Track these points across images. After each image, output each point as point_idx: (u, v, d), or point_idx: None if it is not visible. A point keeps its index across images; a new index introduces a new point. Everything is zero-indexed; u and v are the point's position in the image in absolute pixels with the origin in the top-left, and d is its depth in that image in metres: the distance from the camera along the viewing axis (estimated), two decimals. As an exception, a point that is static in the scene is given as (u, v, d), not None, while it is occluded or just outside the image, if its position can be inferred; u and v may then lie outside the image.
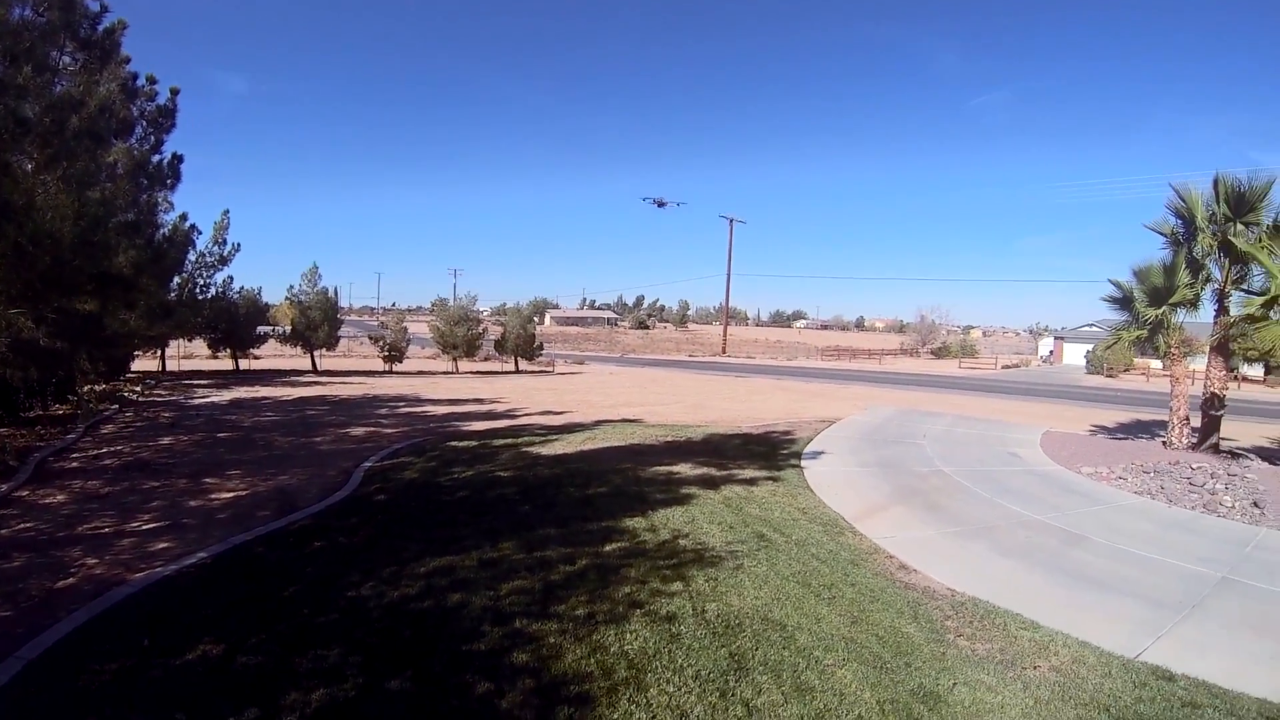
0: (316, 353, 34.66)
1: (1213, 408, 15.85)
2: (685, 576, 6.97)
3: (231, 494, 9.94)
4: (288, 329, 34.14)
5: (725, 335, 76.81)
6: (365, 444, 14.19)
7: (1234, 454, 15.44)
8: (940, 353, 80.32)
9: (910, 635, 6.11)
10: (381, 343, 36.35)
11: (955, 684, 5.27)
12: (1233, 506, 10.96)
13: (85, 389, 19.40)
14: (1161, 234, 16.44)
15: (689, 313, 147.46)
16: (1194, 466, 13.38)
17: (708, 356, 66.97)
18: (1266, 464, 14.13)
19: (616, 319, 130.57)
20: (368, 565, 6.90)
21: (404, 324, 38.17)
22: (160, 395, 22.41)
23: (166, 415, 17.67)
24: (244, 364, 32.72)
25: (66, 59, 9.50)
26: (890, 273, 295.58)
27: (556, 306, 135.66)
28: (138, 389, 23.16)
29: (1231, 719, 4.90)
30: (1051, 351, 76.15)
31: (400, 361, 36.58)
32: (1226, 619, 6.82)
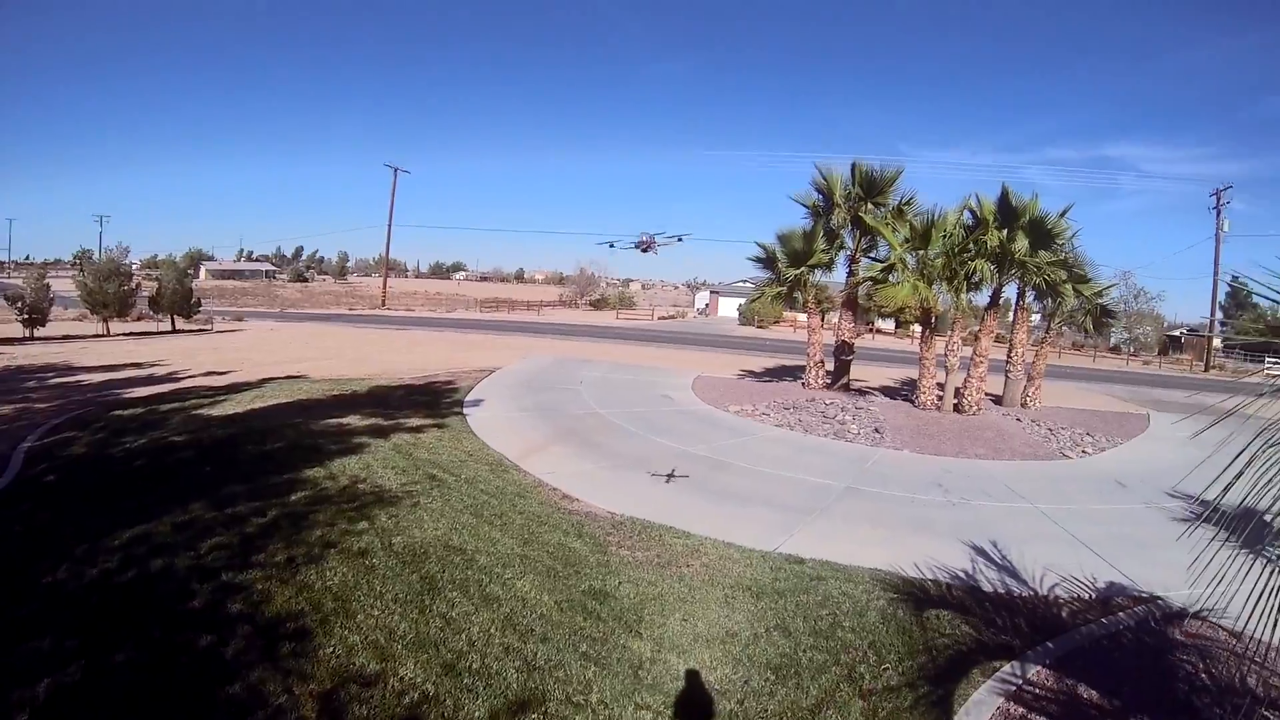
0: (-63, 321, 29.13)
1: (843, 354, 19.52)
2: (369, 516, 7.75)
3: None
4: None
5: (385, 288, 75.05)
6: (18, 423, 12.82)
7: (862, 391, 19.09)
8: (599, 304, 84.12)
9: (577, 549, 7.47)
10: (20, 304, 31.29)
11: (620, 583, 6.71)
12: (858, 433, 13.77)
13: None
14: (805, 205, 19.66)
15: (349, 264, 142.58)
16: (827, 402, 16.50)
17: (368, 309, 65.09)
18: (887, 399, 17.74)
19: (275, 271, 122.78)
20: (58, 548, 6.66)
21: (46, 280, 33.25)
22: None
23: None
24: None
25: None
26: (551, 226, 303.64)
27: (212, 258, 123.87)
28: None
29: (849, 584, 6.79)
30: (707, 304, 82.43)
31: (43, 325, 31.64)
32: (848, 517, 9.00)
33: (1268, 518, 3.00)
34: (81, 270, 36.27)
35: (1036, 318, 20.96)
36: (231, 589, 5.91)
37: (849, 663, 5.38)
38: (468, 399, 15.90)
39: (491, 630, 5.61)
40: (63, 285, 37.53)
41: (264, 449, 10.48)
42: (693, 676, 5.25)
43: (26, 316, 31.04)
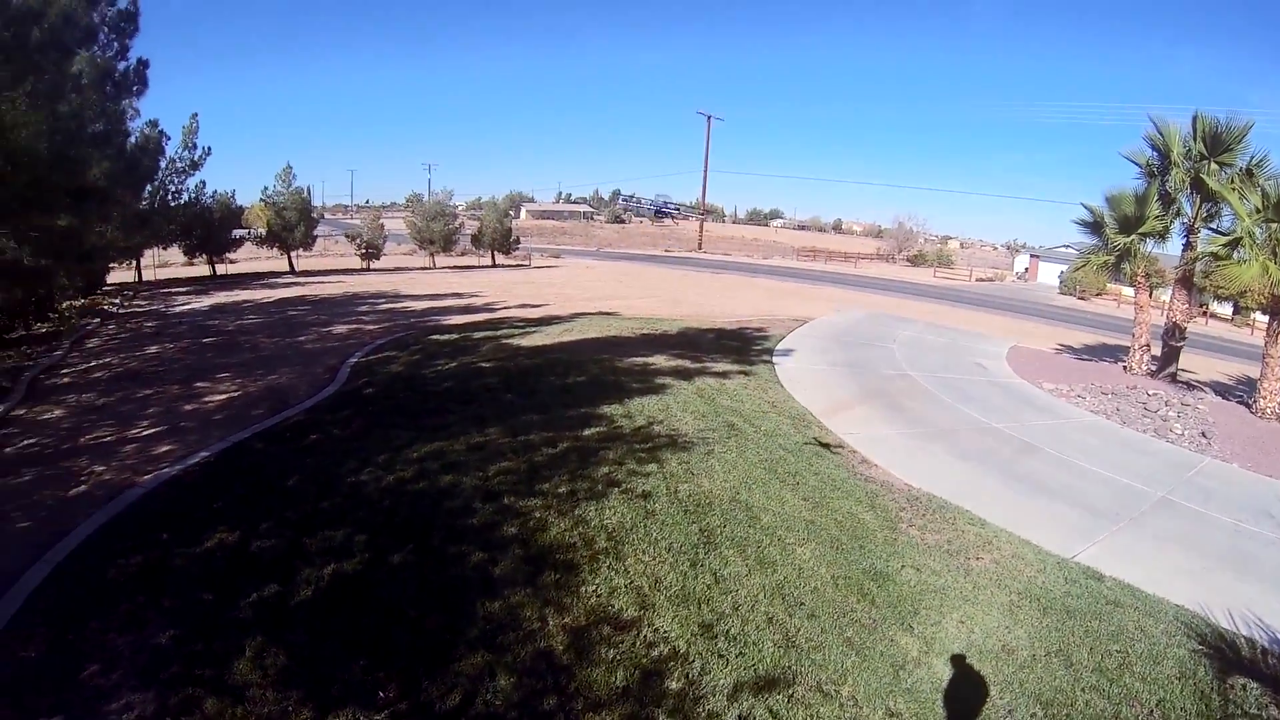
0: (293, 253, 33.78)
1: (1173, 338, 16.35)
2: (660, 459, 7.49)
3: (224, 396, 10.07)
4: (263, 231, 33.29)
5: (701, 231, 75.06)
6: (349, 341, 14.36)
7: (1190, 385, 16.03)
8: (916, 260, 79.02)
9: (866, 522, 6.67)
10: (359, 241, 35.63)
11: (903, 566, 5.85)
12: (1181, 434, 11.42)
13: (65, 305, 18.81)
14: (1136, 163, 16.47)
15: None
16: (1150, 393, 13.92)
17: (683, 252, 65.05)
18: (1219, 398, 14.69)
19: (592, 213, 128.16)
20: (363, 454, 7.25)
21: (380, 221, 37.55)
22: (140, 305, 21.58)
23: (149, 325, 17.31)
24: (220, 269, 31.55)
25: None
26: (870, 177, 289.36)
27: (531, 200, 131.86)
28: (117, 301, 22.11)
29: (1150, 619, 5.35)
30: (1026, 269, 74.93)
31: (377, 259, 35.91)
32: (1159, 534, 7.28)
33: None
34: (412, 211, 40.33)
35: None
36: (510, 513, 5.95)
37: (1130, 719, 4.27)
38: (778, 348, 15.40)
39: (759, 596, 5.10)
40: (394, 225, 42.26)
41: (565, 381, 10.73)
42: (955, 690, 4.41)
43: (364, 251, 35.30)
